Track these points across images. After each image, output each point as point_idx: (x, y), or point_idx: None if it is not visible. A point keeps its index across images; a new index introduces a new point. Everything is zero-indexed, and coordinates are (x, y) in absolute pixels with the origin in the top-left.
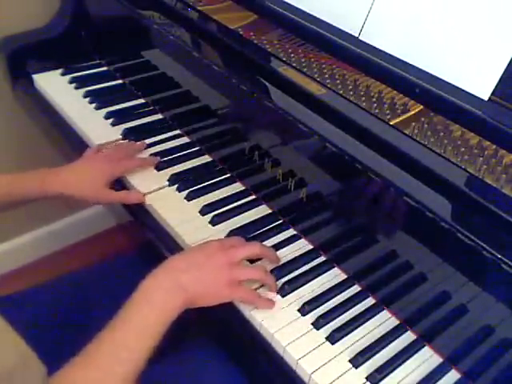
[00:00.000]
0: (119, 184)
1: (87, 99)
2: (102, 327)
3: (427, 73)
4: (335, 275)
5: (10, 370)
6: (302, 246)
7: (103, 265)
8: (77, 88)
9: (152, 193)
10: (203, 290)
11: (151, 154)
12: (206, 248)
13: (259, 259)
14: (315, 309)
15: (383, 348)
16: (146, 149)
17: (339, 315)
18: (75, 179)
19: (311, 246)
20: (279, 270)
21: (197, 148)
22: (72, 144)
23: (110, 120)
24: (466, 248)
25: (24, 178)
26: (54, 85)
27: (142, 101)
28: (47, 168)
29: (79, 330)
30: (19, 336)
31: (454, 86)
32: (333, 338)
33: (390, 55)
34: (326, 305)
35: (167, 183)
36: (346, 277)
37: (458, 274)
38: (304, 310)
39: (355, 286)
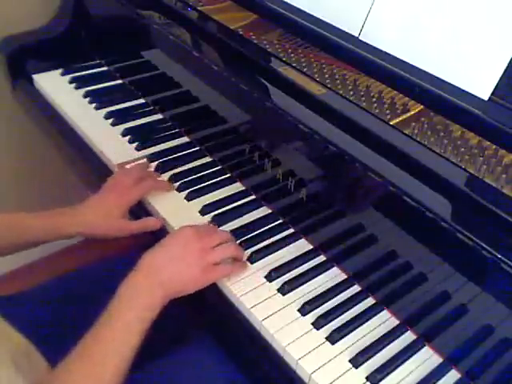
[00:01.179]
0: None
1: (87, 99)
2: None
3: (427, 73)
4: (335, 275)
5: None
6: (302, 245)
7: (103, 265)
8: (77, 88)
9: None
10: (182, 281)
11: (151, 154)
12: (180, 237)
13: None
14: (315, 309)
15: (383, 348)
16: (146, 148)
17: (339, 315)
18: (96, 217)
19: (311, 246)
20: (279, 270)
21: (197, 148)
22: (72, 144)
23: (110, 120)
24: (466, 248)
25: (39, 217)
26: (53, 85)
27: (142, 101)
28: (60, 209)
29: (79, 330)
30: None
31: (454, 85)
32: (333, 338)
33: (390, 55)
34: (326, 305)
35: (168, 182)
36: (346, 277)
37: (458, 274)
38: (304, 309)
39: (355, 286)
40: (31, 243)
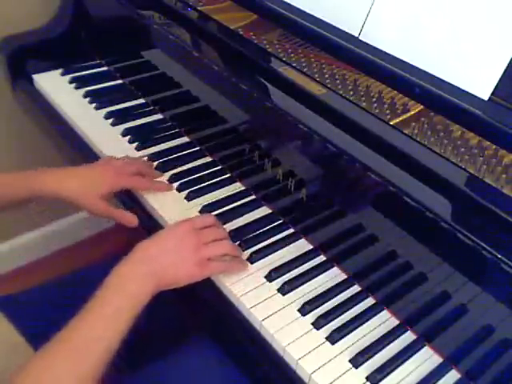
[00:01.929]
0: None
1: (87, 99)
2: None
3: (427, 73)
4: (335, 275)
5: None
6: (302, 245)
7: (103, 265)
8: (77, 88)
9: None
10: (175, 273)
11: (151, 154)
12: (177, 230)
13: None
14: (315, 309)
15: (383, 348)
16: (146, 148)
17: (339, 315)
18: (75, 183)
19: (311, 246)
20: (279, 270)
21: (197, 148)
22: (72, 144)
23: (110, 120)
24: (466, 248)
25: (21, 176)
26: (53, 85)
27: (142, 101)
28: (46, 168)
29: None
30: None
31: (454, 85)
32: (333, 338)
33: (390, 55)
34: (326, 305)
35: (167, 183)
36: (346, 277)
37: (458, 274)
38: (304, 309)
39: (355, 286)
40: (13, 202)
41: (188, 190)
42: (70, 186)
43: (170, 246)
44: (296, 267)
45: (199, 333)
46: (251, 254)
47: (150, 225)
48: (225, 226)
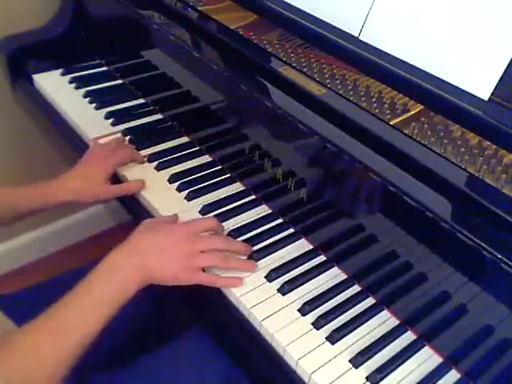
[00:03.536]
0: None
1: (87, 99)
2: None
3: (427, 73)
4: (335, 275)
5: None
6: (302, 245)
7: None
8: (77, 88)
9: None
10: (162, 271)
11: (151, 154)
12: (174, 232)
13: None
14: (315, 309)
15: (383, 348)
16: (146, 148)
17: (339, 315)
18: (78, 183)
19: (311, 246)
20: (279, 270)
21: (197, 148)
22: (72, 144)
23: (110, 120)
24: (466, 248)
25: (28, 191)
26: (53, 85)
27: (142, 101)
28: (45, 180)
29: None
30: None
31: (454, 85)
32: (333, 338)
33: (390, 55)
34: (326, 305)
35: (167, 183)
36: (346, 277)
37: (458, 274)
38: (304, 309)
39: (355, 286)
40: (22, 215)
41: (188, 190)
42: (75, 187)
43: (162, 243)
44: (296, 267)
45: (198, 332)
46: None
47: None
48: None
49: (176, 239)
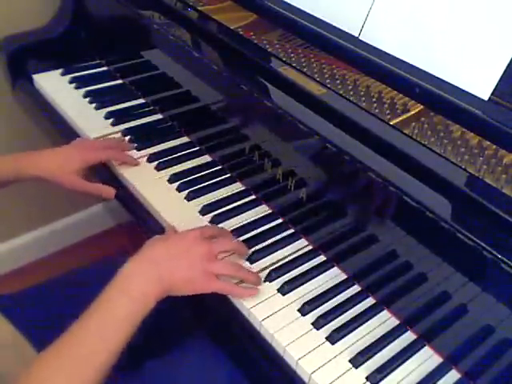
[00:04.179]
0: (120, 183)
1: (87, 99)
2: None
3: (427, 73)
4: (335, 275)
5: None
6: (302, 245)
7: (103, 265)
8: (77, 88)
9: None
10: (180, 280)
11: (151, 154)
12: (186, 238)
13: None
14: (315, 309)
15: (383, 348)
16: (146, 148)
17: (339, 315)
18: (51, 162)
19: (311, 246)
20: (279, 270)
21: (197, 148)
22: None
23: (110, 120)
24: (466, 248)
25: (3, 160)
26: (54, 85)
27: (142, 101)
28: (22, 152)
29: None
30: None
31: (454, 85)
32: (333, 338)
33: (390, 55)
34: (326, 305)
35: (167, 183)
36: (346, 277)
37: (458, 274)
38: (304, 309)
39: (355, 286)
40: (3, 183)
41: (188, 190)
42: (47, 166)
43: (179, 251)
44: (296, 267)
45: (199, 333)
46: (251, 254)
47: (150, 225)
48: (225, 226)
49: (190, 243)
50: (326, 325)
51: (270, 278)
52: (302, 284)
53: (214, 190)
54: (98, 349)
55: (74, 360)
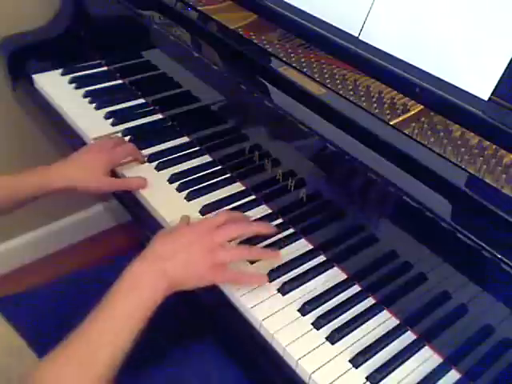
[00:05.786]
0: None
1: (87, 99)
2: None
3: (427, 73)
4: (335, 275)
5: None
6: (302, 245)
7: (103, 265)
8: (77, 88)
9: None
10: (188, 274)
11: (151, 154)
12: (193, 230)
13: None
14: (315, 309)
15: (383, 348)
16: (146, 148)
17: (339, 315)
18: (77, 171)
19: (311, 246)
20: (279, 270)
21: (197, 148)
22: (72, 144)
23: (110, 120)
24: (466, 248)
25: (26, 176)
26: (53, 85)
27: (142, 101)
28: (43, 166)
29: None
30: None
31: (454, 85)
32: (333, 338)
33: (390, 55)
34: (326, 305)
35: (167, 183)
36: (346, 277)
37: (458, 274)
38: (304, 309)
39: (355, 286)
40: (21, 201)
41: (188, 190)
42: (76, 175)
43: (185, 244)
44: (296, 267)
45: (199, 333)
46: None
47: (150, 224)
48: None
49: (192, 239)
50: (326, 325)
51: (270, 278)
52: (302, 284)
53: (214, 190)
54: (107, 344)
55: (84, 356)
